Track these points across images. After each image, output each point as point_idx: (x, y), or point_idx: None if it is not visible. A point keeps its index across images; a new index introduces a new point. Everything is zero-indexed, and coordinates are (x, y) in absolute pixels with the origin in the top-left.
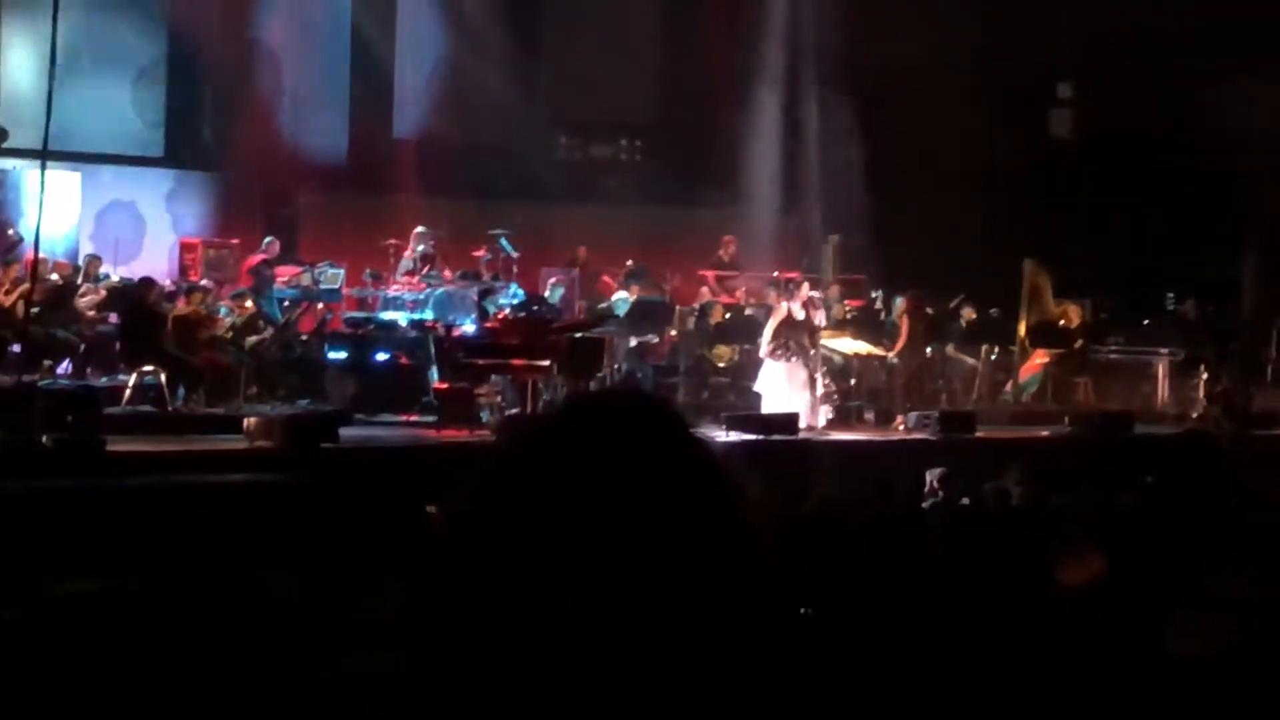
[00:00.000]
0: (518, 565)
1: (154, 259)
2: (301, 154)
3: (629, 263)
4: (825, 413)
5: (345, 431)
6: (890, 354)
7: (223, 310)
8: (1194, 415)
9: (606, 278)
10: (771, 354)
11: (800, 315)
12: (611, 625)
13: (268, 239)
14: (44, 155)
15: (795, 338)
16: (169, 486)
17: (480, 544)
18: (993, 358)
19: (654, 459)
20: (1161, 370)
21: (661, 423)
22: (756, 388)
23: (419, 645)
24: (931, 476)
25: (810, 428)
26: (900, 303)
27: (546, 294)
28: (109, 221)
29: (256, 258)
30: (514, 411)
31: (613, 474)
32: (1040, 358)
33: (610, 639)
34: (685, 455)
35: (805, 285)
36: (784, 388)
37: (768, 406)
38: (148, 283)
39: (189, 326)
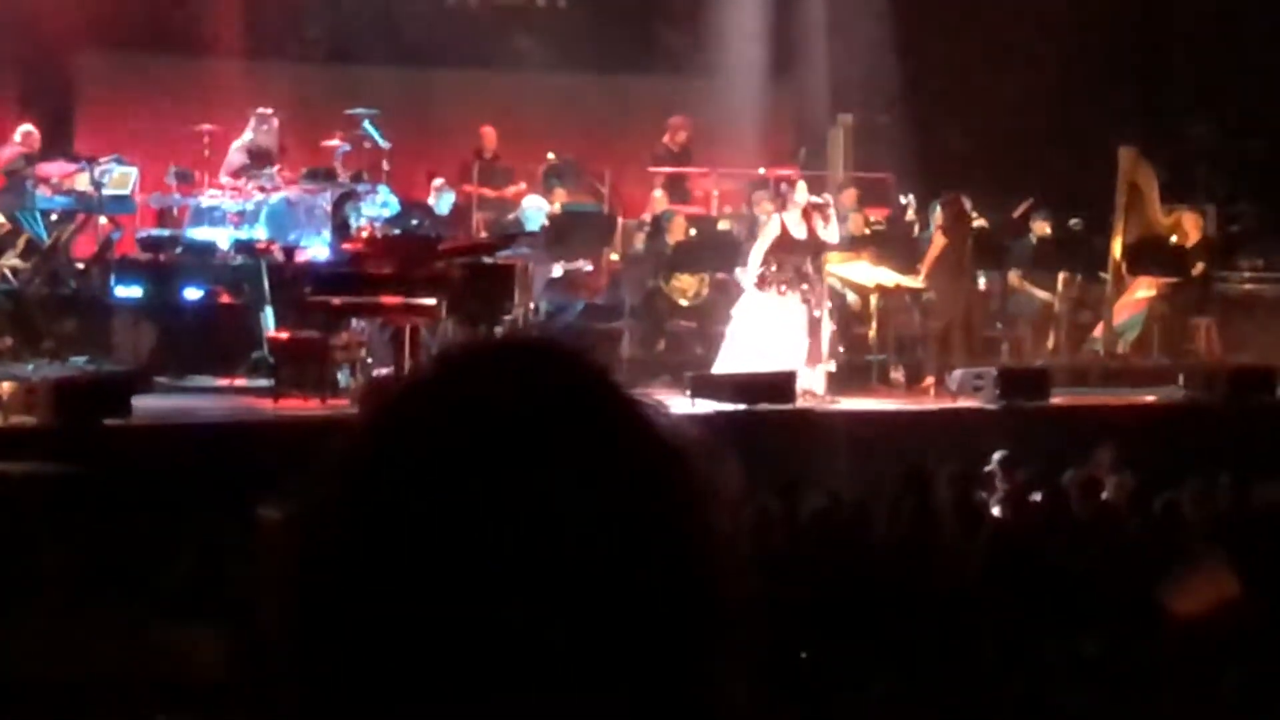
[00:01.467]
0: (382, 596)
1: None
2: (79, 2)
3: (549, 155)
4: (825, 369)
5: (140, 402)
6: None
7: None
8: None
9: (524, 185)
10: (760, 283)
11: (800, 232)
12: (510, 683)
13: (23, 127)
14: None
15: (793, 263)
16: None
17: (331, 564)
18: (1074, 291)
19: (575, 440)
20: None
21: (587, 386)
22: (728, 329)
23: (244, 713)
24: (993, 462)
25: (811, 393)
26: (939, 211)
27: (431, 201)
28: None
29: (9, 152)
30: (385, 372)
31: (514, 462)
32: (1142, 289)
33: (509, 701)
34: (621, 434)
35: (802, 186)
36: (771, 333)
37: (736, 358)
38: None
39: None
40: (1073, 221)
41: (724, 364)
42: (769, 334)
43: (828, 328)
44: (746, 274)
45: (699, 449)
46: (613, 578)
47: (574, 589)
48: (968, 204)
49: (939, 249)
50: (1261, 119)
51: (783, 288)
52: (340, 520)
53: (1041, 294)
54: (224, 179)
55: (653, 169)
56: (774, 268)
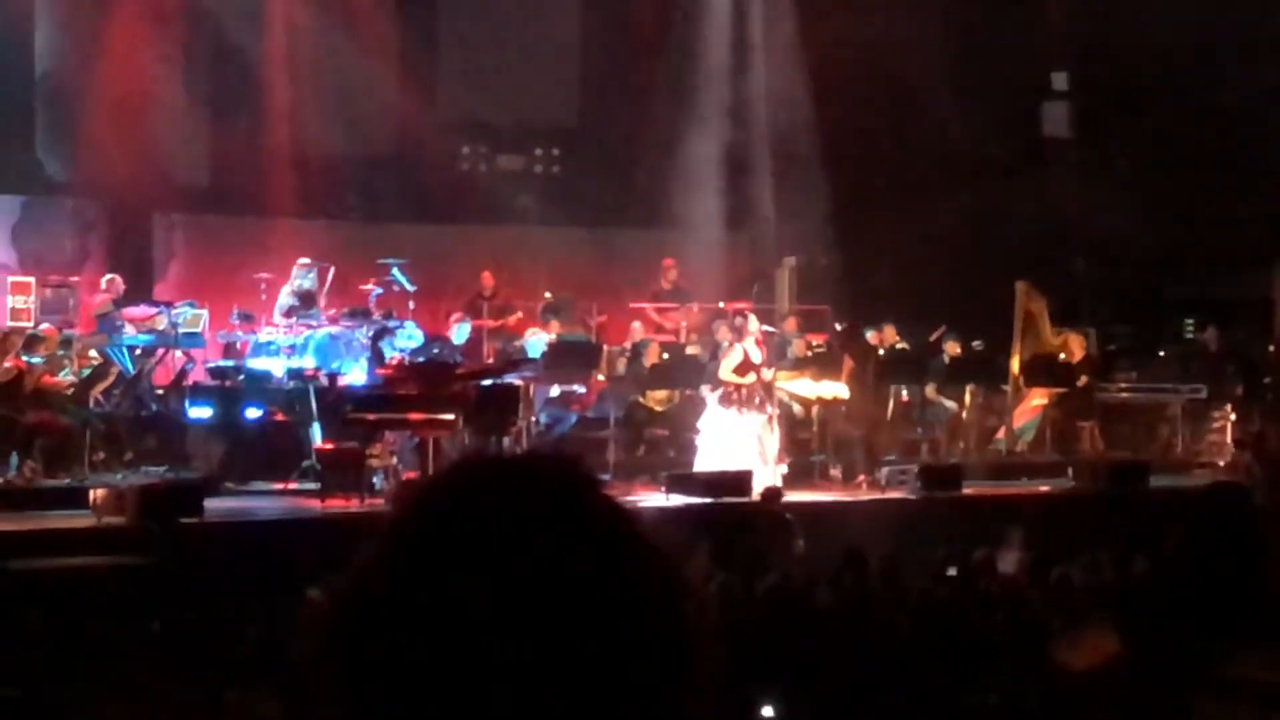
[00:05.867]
0: (407, 665)
1: None
2: (158, 173)
3: (546, 295)
4: (780, 470)
5: (211, 503)
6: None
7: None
8: (1220, 463)
9: (520, 314)
10: (724, 400)
11: (756, 356)
12: None
13: (108, 276)
14: None
15: (751, 383)
16: (2, 573)
17: (356, 640)
18: (980, 400)
19: (567, 535)
20: (1181, 410)
21: (577, 491)
22: (699, 439)
23: None
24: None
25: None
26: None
27: (451, 332)
28: None
29: (100, 299)
30: (413, 476)
31: (518, 553)
32: (1037, 398)
33: None
34: (606, 531)
35: (753, 319)
36: (738, 441)
37: (709, 461)
38: None
39: (13, 380)
40: (977, 343)
41: (701, 466)
42: (736, 442)
43: (778, 434)
44: (712, 391)
45: (670, 542)
46: (600, 650)
47: (569, 659)
48: (880, 331)
49: (847, 369)
50: (1132, 255)
51: (744, 406)
52: (372, 601)
53: (953, 404)
54: (277, 318)
55: (638, 305)
56: (736, 388)
